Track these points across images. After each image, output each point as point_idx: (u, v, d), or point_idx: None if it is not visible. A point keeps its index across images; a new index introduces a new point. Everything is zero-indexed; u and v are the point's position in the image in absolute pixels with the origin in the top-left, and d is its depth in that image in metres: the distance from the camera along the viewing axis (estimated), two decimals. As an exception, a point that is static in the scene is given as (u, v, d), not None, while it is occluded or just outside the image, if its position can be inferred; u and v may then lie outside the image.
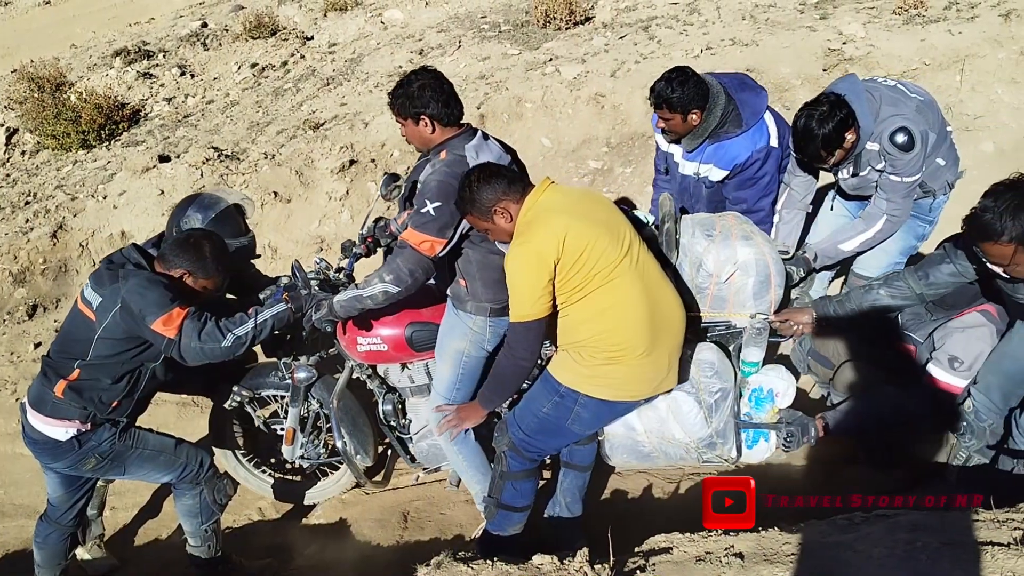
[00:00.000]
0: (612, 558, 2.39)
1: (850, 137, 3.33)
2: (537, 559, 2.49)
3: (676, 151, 3.77)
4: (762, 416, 3.28)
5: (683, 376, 3.07)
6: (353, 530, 3.81)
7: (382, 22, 9.49)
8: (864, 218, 3.60)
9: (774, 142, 3.60)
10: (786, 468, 3.77)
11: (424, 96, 2.92)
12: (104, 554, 3.78)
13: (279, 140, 6.85)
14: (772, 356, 3.81)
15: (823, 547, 2.44)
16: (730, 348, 3.36)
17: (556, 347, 2.94)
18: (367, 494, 3.96)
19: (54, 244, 6.07)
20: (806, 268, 3.64)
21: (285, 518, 3.92)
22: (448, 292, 3.23)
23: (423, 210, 2.84)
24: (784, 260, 3.43)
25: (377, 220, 3.68)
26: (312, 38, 9.66)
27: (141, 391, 3.17)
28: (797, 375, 4.00)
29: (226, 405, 3.67)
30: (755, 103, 3.58)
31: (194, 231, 3.10)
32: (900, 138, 3.30)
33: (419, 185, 2.95)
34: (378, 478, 3.85)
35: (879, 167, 3.43)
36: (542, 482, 3.61)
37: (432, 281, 3.17)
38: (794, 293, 3.86)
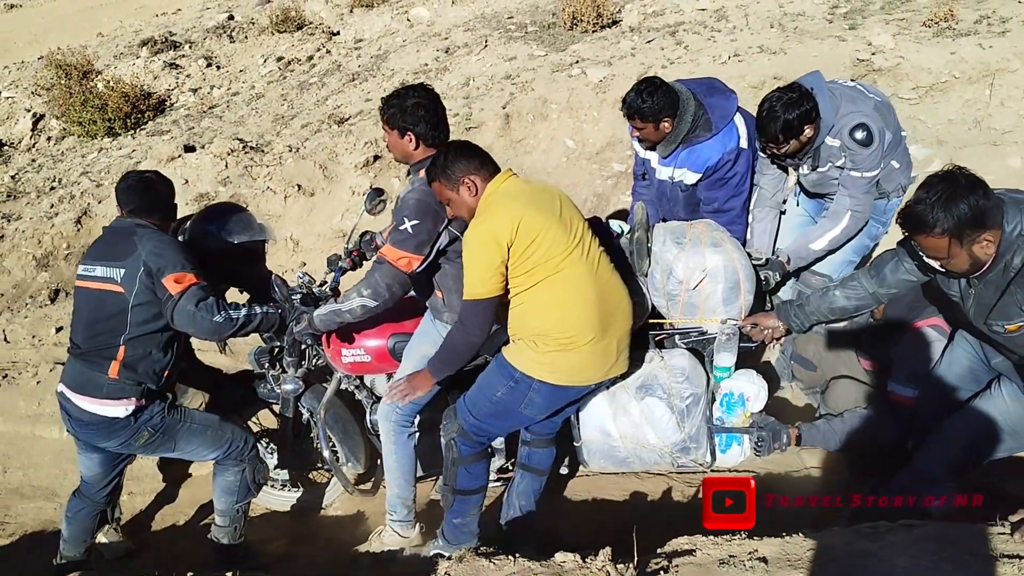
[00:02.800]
0: (636, 558, 2.38)
1: (808, 131, 3.42)
2: (559, 556, 2.50)
3: (653, 157, 3.85)
4: (734, 420, 3.32)
5: (654, 379, 3.12)
6: (371, 522, 3.80)
7: (408, 19, 9.52)
8: (829, 216, 3.67)
9: (744, 143, 3.66)
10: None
11: (416, 114, 3.01)
12: (120, 538, 3.79)
13: (304, 133, 6.88)
14: (756, 364, 3.80)
15: (848, 555, 2.43)
16: (704, 354, 3.40)
17: (510, 338, 2.99)
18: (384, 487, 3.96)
19: (78, 230, 6.12)
20: (781, 272, 3.67)
21: (304, 508, 3.93)
22: (427, 304, 3.32)
23: (401, 227, 2.94)
24: (759, 266, 3.49)
25: (363, 234, 3.76)
26: (338, 33, 9.72)
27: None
28: (778, 383, 4.04)
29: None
30: (724, 106, 3.64)
31: (146, 173, 3.26)
32: (859, 134, 3.40)
33: (398, 202, 3.02)
34: (367, 486, 3.88)
35: (839, 163, 3.53)
36: (500, 486, 3.65)
37: (412, 293, 3.24)
38: (784, 295, 3.87)
